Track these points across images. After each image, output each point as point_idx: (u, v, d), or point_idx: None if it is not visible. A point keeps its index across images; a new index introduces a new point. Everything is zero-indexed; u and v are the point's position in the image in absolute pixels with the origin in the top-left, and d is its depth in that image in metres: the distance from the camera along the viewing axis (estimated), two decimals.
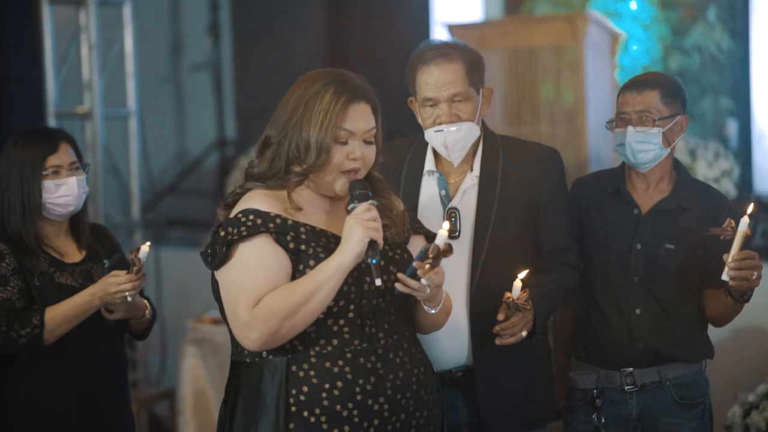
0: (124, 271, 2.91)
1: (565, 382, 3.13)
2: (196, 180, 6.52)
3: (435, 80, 2.86)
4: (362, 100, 2.43)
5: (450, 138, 2.88)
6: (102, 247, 3.15)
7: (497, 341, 2.75)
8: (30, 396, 3.00)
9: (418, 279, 2.34)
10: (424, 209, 2.94)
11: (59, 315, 2.93)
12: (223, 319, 2.47)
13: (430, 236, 2.61)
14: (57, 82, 5.33)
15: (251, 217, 2.37)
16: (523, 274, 2.71)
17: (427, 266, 2.33)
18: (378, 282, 2.32)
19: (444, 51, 2.89)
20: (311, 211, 2.45)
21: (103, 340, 3.07)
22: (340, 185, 2.43)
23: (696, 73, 4.90)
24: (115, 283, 2.90)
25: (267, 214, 2.38)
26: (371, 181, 2.49)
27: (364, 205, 2.37)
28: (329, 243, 2.41)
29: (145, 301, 3.10)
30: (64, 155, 3.05)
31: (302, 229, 2.40)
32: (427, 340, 2.81)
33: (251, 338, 2.33)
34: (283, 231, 2.38)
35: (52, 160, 3.03)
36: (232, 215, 2.41)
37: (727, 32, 4.90)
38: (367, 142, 2.45)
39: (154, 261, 5.53)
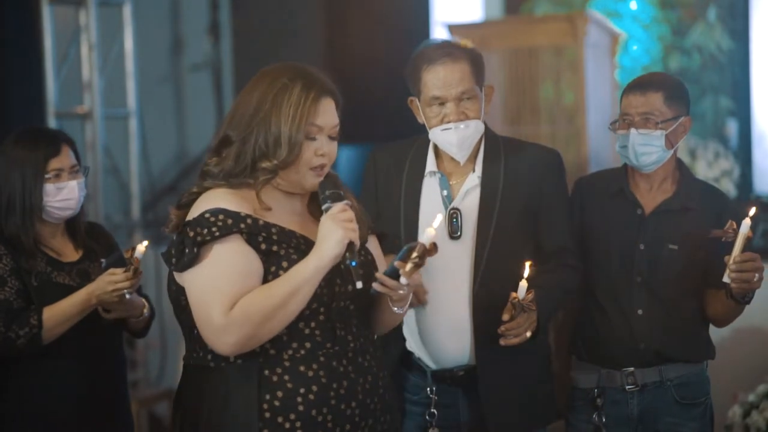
0: (121, 269, 2.91)
1: (565, 382, 3.13)
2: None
3: (442, 79, 2.86)
4: (329, 95, 2.38)
5: (459, 135, 2.88)
6: (98, 246, 3.14)
7: (502, 342, 2.75)
8: (29, 396, 3.00)
9: (397, 279, 2.30)
10: (426, 210, 2.94)
11: (57, 314, 2.92)
12: (179, 321, 2.40)
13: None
14: (57, 82, 5.33)
15: (221, 217, 2.29)
16: (527, 273, 2.71)
17: (410, 266, 2.29)
18: (359, 284, 2.27)
19: (449, 50, 2.89)
20: (278, 212, 2.38)
21: (101, 340, 3.06)
22: (310, 182, 2.37)
23: (696, 73, 4.90)
24: (112, 281, 2.89)
25: (237, 214, 2.30)
26: (329, 178, 2.42)
27: (339, 206, 2.31)
28: (300, 244, 2.34)
29: (143, 300, 3.09)
30: (65, 158, 3.03)
31: (273, 230, 2.33)
32: (429, 338, 2.82)
33: (228, 343, 2.24)
34: (254, 231, 2.31)
35: (54, 164, 3.01)
36: (196, 214, 2.32)
37: (727, 32, 4.91)
38: (332, 138, 2.39)
39: (154, 261, 5.53)
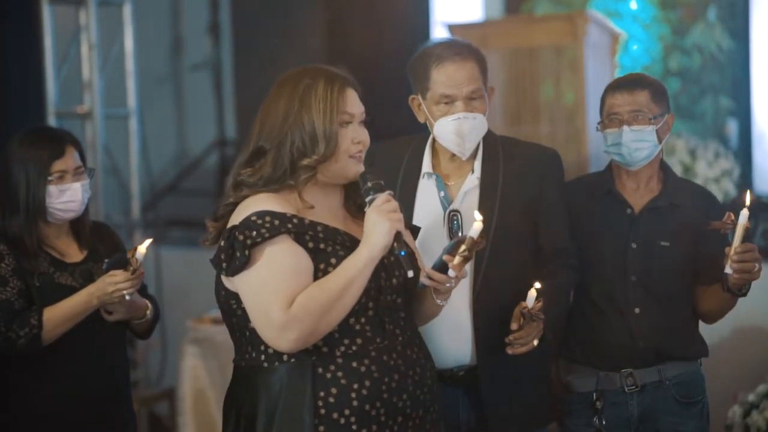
0: (122, 270, 2.90)
1: (556, 384, 3.12)
2: (196, 180, 6.52)
3: (453, 77, 2.86)
4: (350, 86, 2.45)
5: (467, 126, 2.87)
6: (103, 247, 3.12)
7: (509, 350, 2.75)
8: (30, 396, 3.00)
9: (445, 272, 2.36)
10: (421, 211, 2.94)
11: (58, 315, 2.92)
12: (229, 326, 2.44)
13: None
14: (57, 82, 5.33)
15: (268, 218, 2.33)
16: (538, 284, 2.72)
17: (458, 260, 2.36)
18: (410, 273, 2.32)
19: (458, 49, 2.90)
20: (320, 211, 2.43)
21: (103, 340, 3.05)
22: (353, 169, 2.42)
23: (696, 73, 4.91)
24: (113, 282, 2.88)
25: (283, 214, 2.35)
26: (368, 170, 2.47)
27: (383, 197, 2.35)
28: (345, 241, 2.40)
29: (147, 302, 3.08)
30: (70, 160, 3.01)
31: (319, 228, 2.39)
32: (429, 338, 2.81)
33: (289, 339, 2.29)
34: (301, 231, 2.36)
35: (59, 165, 2.99)
36: (241, 219, 2.35)
37: (727, 32, 4.91)
38: (363, 125, 2.46)
39: (154, 261, 5.54)
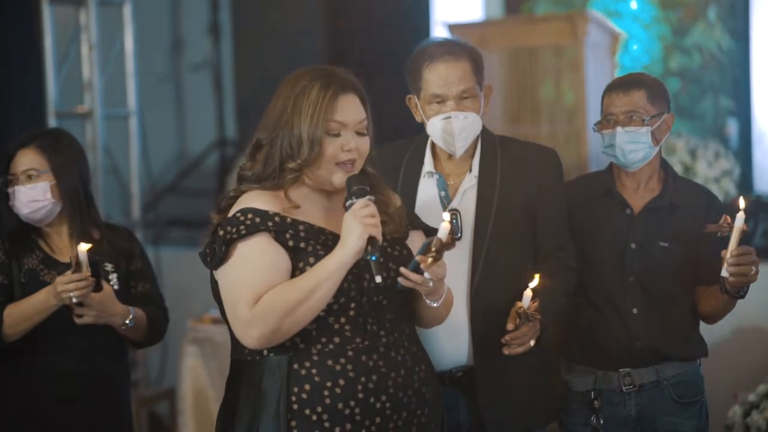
0: (70, 272, 2.86)
1: (556, 384, 3.12)
2: (196, 180, 6.52)
3: (444, 77, 2.86)
4: (350, 91, 2.45)
5: (457, 125, 2.87)
6: (110, 249, 3.10)
7: (506, 351, 2.75)
8: (24, 395, 3.01)
9: (421, 273, 2.35)
10: (422, 210, 2.93)
11: (18, 312, 2.93)
12: (223, 319, 2.47)
13: (429, 231, 2.63)
14: (57, 82, 5.33)
15: (250, 215, 2.38)
16: (534, 283, 2.71)
17: (430, 260, 2.35)
18: (378, 279, 2.33)
19: (451, 48, 2.90)
20: (309, 209, 2.45)
21: (102, 341, 3.05)
22: (338, 178, 2.44)
23: (696, 72, 4.90)
24: (61, 282, 2.86)
25: (265, 212, 2.39)
26: (365, 176, 2.49)
27: (361, 201, 2.37)
28: (328, 240, 2.41)
29: (128, 309, 3.01)
30: (19, 163, 3.03)
31: (301, 227, 2.41)
32: (427, 340, 2.81)
33: (252, 336, 2.33)
34: (282, 229, 2.39)
35: (11, 168, 3.04)
36: (230, 215, 2.41)
37: (727, 32, 4.91)
38: (360, 134, 2.46)
39: (154, 261, 5.53)
